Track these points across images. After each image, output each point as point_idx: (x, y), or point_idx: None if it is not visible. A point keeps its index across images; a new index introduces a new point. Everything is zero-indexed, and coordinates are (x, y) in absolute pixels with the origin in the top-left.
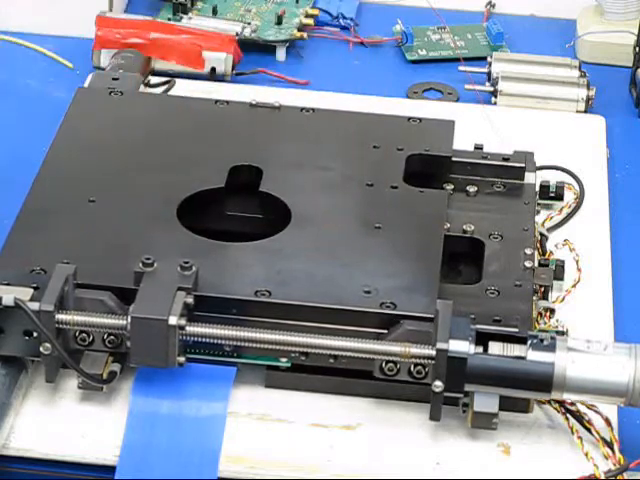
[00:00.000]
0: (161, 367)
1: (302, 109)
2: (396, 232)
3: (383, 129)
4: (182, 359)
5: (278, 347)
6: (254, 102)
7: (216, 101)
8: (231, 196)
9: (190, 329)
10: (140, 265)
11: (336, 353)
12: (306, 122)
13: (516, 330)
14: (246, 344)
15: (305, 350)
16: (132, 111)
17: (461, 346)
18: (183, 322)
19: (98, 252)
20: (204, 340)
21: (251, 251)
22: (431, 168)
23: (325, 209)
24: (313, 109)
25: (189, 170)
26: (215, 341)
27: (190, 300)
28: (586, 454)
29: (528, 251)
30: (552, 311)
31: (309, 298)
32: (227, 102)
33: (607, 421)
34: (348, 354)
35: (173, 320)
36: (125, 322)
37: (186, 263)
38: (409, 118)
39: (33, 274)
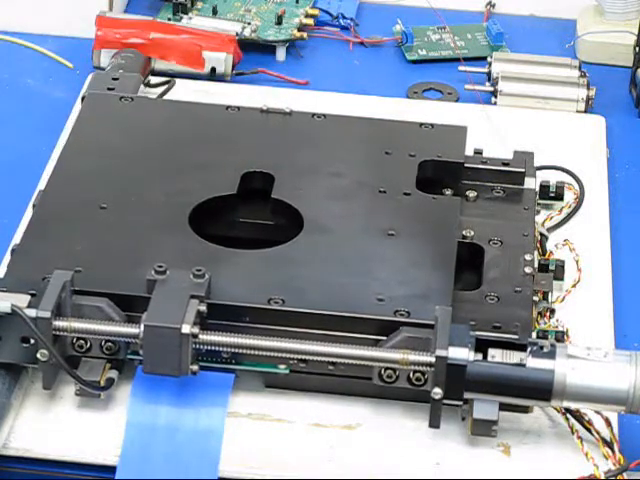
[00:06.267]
0: (174, 376)
1: (313, 115)
2: (409, 239)
3: (395, 135)
4: (195, 367)
5: (276, 354)
6: (265, 108)
7: (227, 107)
8: (243, 203)
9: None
10: (152, 273)
11: (335, 360)
12: (317, 128)
13: (516, 337)
14: (244, 351)
15: (303, 357)
16: (143, 117)
17: (460, 353)
18: (196, 330)
19: (110, 260)
20: (211, 348)
21: (264, 258)
22: (443, 174)
23: (337, 216)
24: (324, 115)
25: (201, 177)
26: (215, 348)
27: (203, 308)
28: (586, 454)
29: (528, 257)
30: (552, 311)
31: (323, 306)
32: (238, 108)
33: (607, 421)
34: (347, 361)
35: (186, 328)
36: (122, 329)
37: (199, 271)
38: (421, 124)
39: (34, 281)
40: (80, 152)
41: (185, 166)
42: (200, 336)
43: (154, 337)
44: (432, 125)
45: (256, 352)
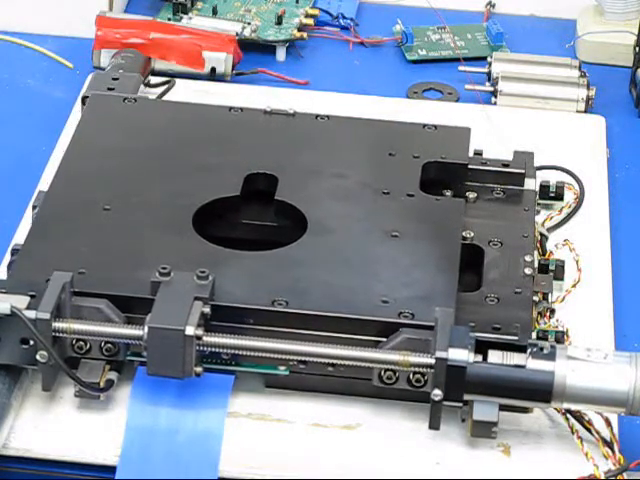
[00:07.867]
0: (178, 377)
1: (317, 116)
2: (413, 241)
3: (398, 136)
4: (199, 369)
5: (276, 355)
6: (268, 109)
7: (230, 108)
8: (247, 204)
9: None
10: (156, 274)
11: (334, 362)
12: (321, 129)
13: (516, 338)
14: (247, 353)
15: (303, 359)
16: (146, 118)
17: (460, 355)
18: (200, 332)
19: (114, 261)
20: (215, 350)
21: (267, 260)
22: (447, 176)
23: (341, 217)
24: (328, 116)
25: (204, 178)
26: (219, 350)
27: (207, 310)
28: (586, 454)
29: (528, 258)
30: (552, 311)
31: (327, 308)
32: (241, 109)
33: (607, 421)
34: (347, 363)
35: (190, 330)
36: (126, 331)
37: (202, 272)
38: (424, 125)
39: (36, 282)
40: (83, 153)
41: (188, 168)
42: (204, 338)
43: (158, 339)
44: (435, 126)
45: (259, 354)
